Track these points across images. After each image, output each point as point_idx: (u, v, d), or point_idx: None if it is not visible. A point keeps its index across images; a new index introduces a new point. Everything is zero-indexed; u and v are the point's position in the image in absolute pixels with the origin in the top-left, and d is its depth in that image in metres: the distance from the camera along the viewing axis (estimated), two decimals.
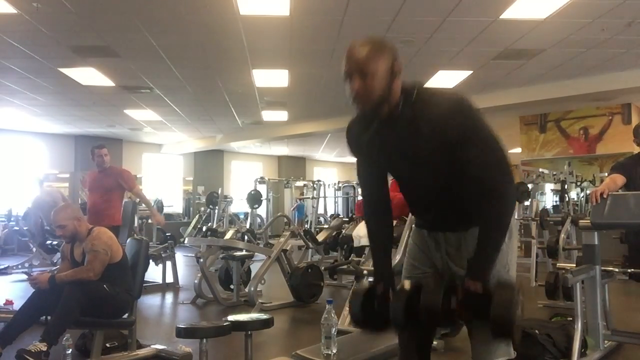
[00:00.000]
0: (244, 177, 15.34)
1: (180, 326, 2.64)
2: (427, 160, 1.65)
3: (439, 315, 1.56)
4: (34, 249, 8.48)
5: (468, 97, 1.62)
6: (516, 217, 7.55)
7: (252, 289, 5.05)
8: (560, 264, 4.58)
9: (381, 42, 1.64)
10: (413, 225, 1.94)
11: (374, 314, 1.76)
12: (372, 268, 1.89)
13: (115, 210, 5.23)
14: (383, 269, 1.83)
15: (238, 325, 2.66)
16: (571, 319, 3.60)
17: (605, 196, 3.28)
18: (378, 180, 1.84)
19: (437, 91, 1.68)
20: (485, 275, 1.59)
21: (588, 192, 9.18)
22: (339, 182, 14.98)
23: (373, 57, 1.59)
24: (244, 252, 5.57)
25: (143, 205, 9.15)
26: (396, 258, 3.74)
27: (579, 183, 10.12)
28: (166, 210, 13.03)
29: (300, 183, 14.12)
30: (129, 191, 5.51)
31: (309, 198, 12.85)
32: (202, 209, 12.97)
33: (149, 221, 9.50)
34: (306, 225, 11.33)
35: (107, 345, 3.43)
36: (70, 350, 2.84)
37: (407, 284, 1.73)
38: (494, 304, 1.51)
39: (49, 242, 7.39)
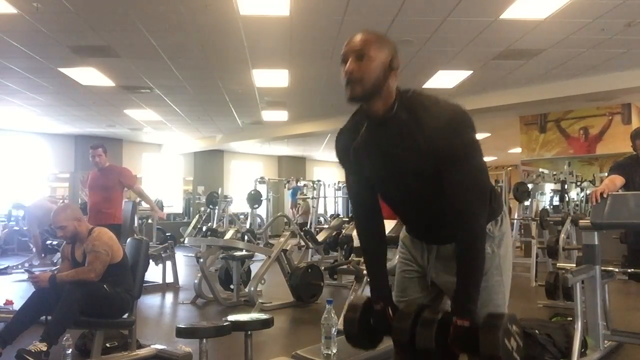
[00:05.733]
0: (244, 177, 15.34)
1: (180, 326, 2.64)
2: (414, 169, 1.58)
3: (434, 352, 1.54)
4: (34, 249, 8.49)
5: (466, 113, 1.54)
6: (516, 216, 7.49)
7: (252, 289, 5.06)
8: (560, 264, 4.58)
9: (382, 34, 1.60)
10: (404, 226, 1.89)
11: (369, 330, 1.74)
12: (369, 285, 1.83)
13: (115, 209, 5.25)
14: (380, 286, 1.78)
15: (238, 325, 2.66)
16: (571, 319, 3.60)
17: (605, 196, 3.28)
18: (367, 190, 1.76)
19: (436, 100, 1.55)
20: (471, 309, 1.56)
21: (588, 192, 9.18)
22: (339, 182, 14.96)
23: (372, 42, 1.54)
24: (244, 252, 5.57)
25: (143, 204, 9.14)
26: (397, 257, 3.74)
27: (579, 183, 10.12)
28: (166, 210, 13.04)
29: (300, 183, 14.12)
30: (130, 189, 5.51)
31: (309, 198, 12.85)
32: (202, 209, 12.96)
33: (149, 221, 9.53)
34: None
35: (107, 345, 3.43)
36: (70, 350, 2.85)
37: (409, 307, 1.70)
38: (481, 343, 1.47)
39: (49, 242, 7.40)
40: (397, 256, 1.92)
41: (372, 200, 1.78)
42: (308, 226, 10.65)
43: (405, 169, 1.59)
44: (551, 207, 10.20)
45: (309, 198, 12.84)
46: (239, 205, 12.97)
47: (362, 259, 4.80)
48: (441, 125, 1.49)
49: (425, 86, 7.67)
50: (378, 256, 1.82)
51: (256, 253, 5.99)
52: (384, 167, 1.63)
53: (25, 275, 5.63)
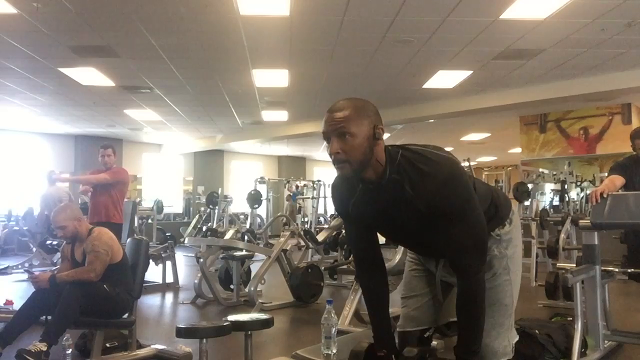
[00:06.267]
0: (244, 177, 15.34)
1: (180, 326, 2.63)
2: (412, 222, 1.63)
3: None
4: (34, 249, 8.49)
5: (458, 166, 1.58)
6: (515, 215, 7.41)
7: (252, 289, 5.05)
8: (560, 264, 4.58)
9: (361, 104, 1.57)
10: None
11: None
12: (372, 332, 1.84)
13: (116, 209, 5.27)
14: (383, 334, 1.78)
15: (238, 325, 2.65)
16: (571, 319, 3.60)
17: (605, 196, 3.28)
18: (368, 238, 1.79)
19: (426, 158, 1.56)
20: (474, 357, 1.62)
21: (588, 192, 9.18)
22: None
23: (351, 118, 1.52)
24: (244, 252, 5.57)
25: (144, 205, 9.11)
26: (396, 258, 3.74)
27: (579, 183, 10.13)
28: (166, 210, 13.04)
29: (300, 183, 14.12)
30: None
31: (309, 198, 12.85)
32: (202, 209, 12.96)
33: (149, 221, 9.54)
34: (306, 226, 11.33)
35: (107, 345, 3.43)
36: (70, 350, 2.84)
37: (411, 352, 1.73)
38: None
39: (48, 242, 7.40)
40: (399, 256, 1.96)
41: (372, 246, 1.80)
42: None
43: (404, 223, 1.65)
44: (551, 207, 10.20)
45: (308, 198, 12.83)
46: (239, 205, 12.98)
47: None
48: (436, 188, 1.52)
49: (425, 86, 7.68)
50: (380, 302, 1.82)
51: (256, 253, 5.99)
52: (383, 222, 1.69)
53: (25, 275, 5.64)
